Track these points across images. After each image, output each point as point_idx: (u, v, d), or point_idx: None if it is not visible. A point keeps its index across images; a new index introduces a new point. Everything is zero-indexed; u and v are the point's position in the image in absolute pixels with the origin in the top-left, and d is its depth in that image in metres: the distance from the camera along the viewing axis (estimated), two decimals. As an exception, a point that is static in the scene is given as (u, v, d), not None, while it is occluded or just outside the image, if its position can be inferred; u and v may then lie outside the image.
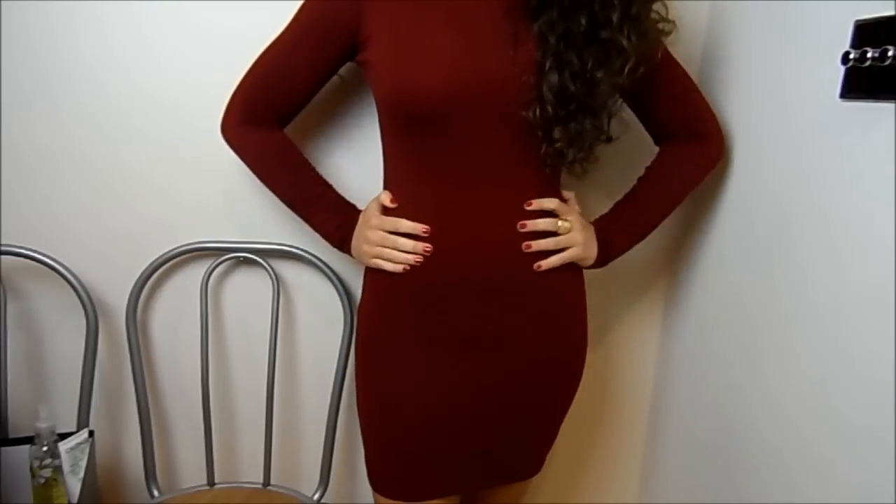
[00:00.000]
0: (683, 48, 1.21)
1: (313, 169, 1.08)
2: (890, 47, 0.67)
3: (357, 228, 1.03)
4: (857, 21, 0.75)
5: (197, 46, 1.15)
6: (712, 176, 1.15)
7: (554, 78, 0.89)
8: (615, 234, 1.06)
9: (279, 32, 1.00)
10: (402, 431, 1.03)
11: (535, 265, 0.98)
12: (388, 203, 1.00)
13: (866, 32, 0.73)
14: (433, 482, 1.06)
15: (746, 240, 1.05)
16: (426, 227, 0.96)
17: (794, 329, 0.90)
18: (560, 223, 0.98)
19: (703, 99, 1.08)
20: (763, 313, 0.99)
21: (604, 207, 1.09)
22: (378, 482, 1.08)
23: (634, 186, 1.09)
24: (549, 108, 0.89)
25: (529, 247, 0.97)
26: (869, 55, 0.69)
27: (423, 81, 0.90)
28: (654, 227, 1.09)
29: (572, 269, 1.04)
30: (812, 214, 0.87)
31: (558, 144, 0.92)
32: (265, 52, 1.01)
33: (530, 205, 0.97)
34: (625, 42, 0.88)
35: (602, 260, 1.05)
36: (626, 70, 0.89)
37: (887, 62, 0.68)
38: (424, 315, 0.99)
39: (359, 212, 1.05)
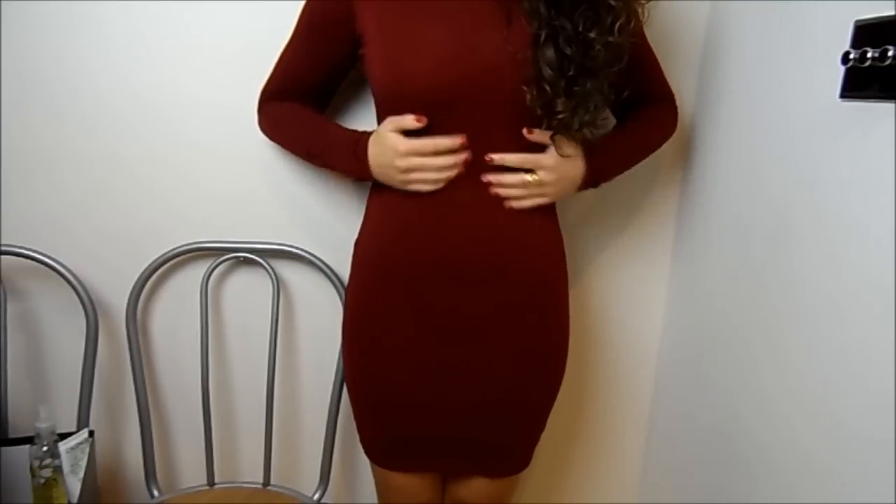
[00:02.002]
0: (683, 48, 1.22)
1: (328, 120, 1.10)
2: (890, 47, 0.67)
3: (378, 154, 0.98)
4: (857, 21, 0.75)
5: (196, 48, 1.15)
6: (712, 176, 1.15)
7: (549, 51, 0.90)
8: (606, 160, 1.06)
9: (288, 38, 1.03)
10: (380, 407, 1.07)
11: (506, 204, 0.97)
12: (414, 124, 0.94)
13: (866, 32, 0.73)
14: (412, 456, 1.09)
15: (745, 240, 1.05)
16: (462, 137, 0.94)
17: (793, 331, 0.90)
18: (530, 177, 0.97)
19: (663, 73, 1.13)
20: (762, 314, 0.98)
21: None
22: (366, 448, 1.13)
23: (617, 126, 1.13)
24: (549, 82, 0.90)
25: (493, 187, 0.96)
26: (869, 55, 0.69)
27: (418, 72, 0.91)
28: (634, 163, 1.12)
29: (556, 262, 1.05)
30: (811, 214, 0.87)
31: (562, 116, 0.92)
32: (279, 59, 1.06)
33: (492, 160, 0.95)
34: (612, 0, 0.90)
35: (591, 182, 1.05)
36: (618, 27, 0.91)
37: (887, 62, 0.67)
38: (408, 296, 1.00)
39: (367, 134, 1.01)
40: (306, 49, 1.03)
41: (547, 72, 0.90)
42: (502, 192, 0.97)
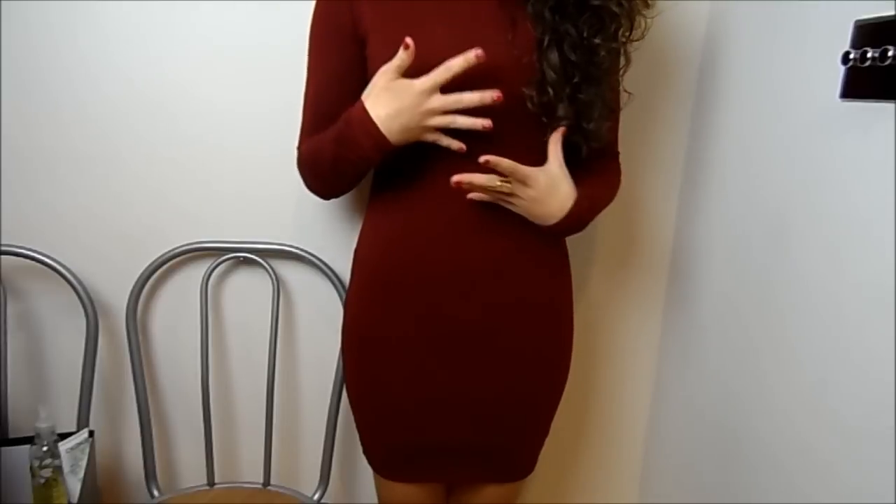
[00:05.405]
0: (684, 48, 1.22)
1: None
2: (890, 47, 0.67)
3: (388, 102, 0.88)
4: (857, 21, 0.75)
5: (197, 47, 1.15)
6: (712, 175, 1.15)
7: (553, 55, 0.89)
8: (584, 211, 0.96)
9: (305, 75, 0.99)
10: (385, 417, 1.06)
11: (469, 195, 0.91)
12: (407, 55, 0.85)
13: (866, 32, 0.73)
14: (418, 466, 1.08)
15: (746, 240, 1.05)
16: (478, 50, 0.83)
17: (793, 330, 0.90)
18: (499, 182, 0.89)
19: (618, 128, 1.06)
20: (762, 313, 0.99)
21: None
22: (370, 458, 1.12)
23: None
24: (552, 87, 0.90)
25: (459, 184, 0.89)
26: (869, 55, 0.69)
27: (422, 75, 0.89)
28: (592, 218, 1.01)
29: (558, 265, 1.04)
30: (811, 214, 0.87)
31: (564, 122, 0.92)
32: (304, 98, 1.00)
33: (487, 163, 0.87)
34: (615, 7, 0.89)
35: (564, 228, 0.95)
36: (621, 33, 0.91)
37: (887, 62, 0.68)
38: (410, 305, 0.99)
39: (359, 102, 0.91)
40: (325, 67, 0.97)
41: (551, 76, 0.89)
42: (465, 183, 0.89)
